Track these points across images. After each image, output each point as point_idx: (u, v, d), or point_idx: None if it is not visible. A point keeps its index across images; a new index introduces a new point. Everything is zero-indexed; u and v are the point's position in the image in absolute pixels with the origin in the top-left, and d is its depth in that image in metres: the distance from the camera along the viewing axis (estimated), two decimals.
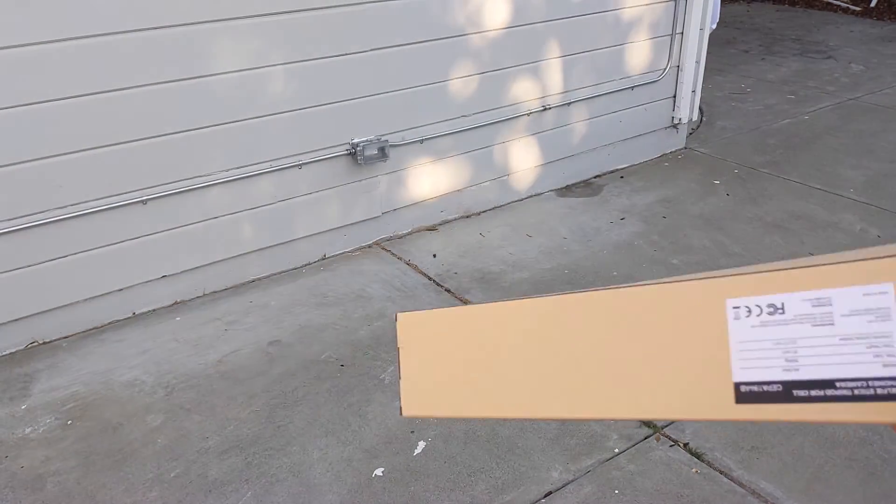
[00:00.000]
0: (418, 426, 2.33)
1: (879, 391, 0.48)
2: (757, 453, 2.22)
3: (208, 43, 2.70)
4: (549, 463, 2.19)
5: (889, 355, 0.48)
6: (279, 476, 2.15)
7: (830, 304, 0.49)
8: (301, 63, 2.93)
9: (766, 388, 0.50)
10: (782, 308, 0.50)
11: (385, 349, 2.70)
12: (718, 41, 6.77)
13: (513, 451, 2.23)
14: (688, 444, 2.26)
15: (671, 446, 2.25)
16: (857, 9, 8.11)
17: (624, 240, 3.47)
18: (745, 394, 0.51)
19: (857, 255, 0.50)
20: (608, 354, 0.51)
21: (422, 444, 2.26)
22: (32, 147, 2.50)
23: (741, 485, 2.11)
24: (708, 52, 4.35)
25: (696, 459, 2.20)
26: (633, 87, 4.08)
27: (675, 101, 4.33)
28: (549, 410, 0.51)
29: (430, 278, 3.16)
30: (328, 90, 3.04)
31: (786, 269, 0.50)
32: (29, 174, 2.52)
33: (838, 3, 8.26)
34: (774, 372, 0.50)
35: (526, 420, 0.50)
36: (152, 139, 2.70)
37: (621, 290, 0.52)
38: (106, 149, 2.62)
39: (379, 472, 2.16)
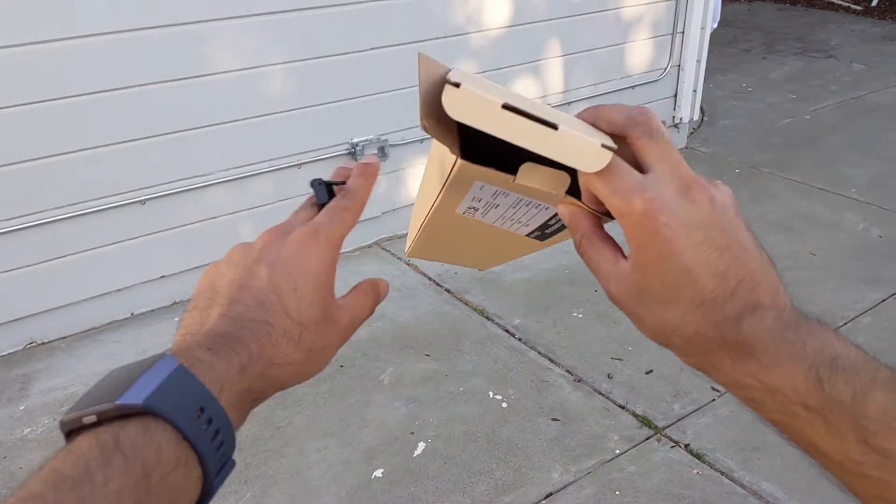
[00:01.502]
0: (418, 427, 2.32)
1: None
2: (758, 454, 2.20)
3: (207, 42, 2.69)
4: (550, 464, 2.18)
5: None
6: (277, 477, 2.14)
7: None
8: (301, 62, 2.92)
9: None
10: None
11: (384, 350, 2.68)
12: (719, 40, 6.76)
13: (513, 451, 2.22)
14: (689, 444, 2.24)
15: (672, 447, 2.24)
16: (859, 8, 8.09)
17: (624, 239, 3.45)
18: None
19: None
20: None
21: (421, 445, 2.25)
22: (31, 147, 2.49)
23: (742, 486, 2.10)
24: (709, 51, 4.34)
25: (697, 460, 2.19)
26: (633, 87, 4.06)
27: (676, 101, 4.32)
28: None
29: (430, 278, 3.15)
30: (328, 90, 3.03)
31: None
32: (27, 174, 2.51)
33: (839, 2, 8.24)
34: None
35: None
36: (151, 139, 2.69)
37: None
38: (104, 148, 2.61)
39: (378, 473, 2.15)
